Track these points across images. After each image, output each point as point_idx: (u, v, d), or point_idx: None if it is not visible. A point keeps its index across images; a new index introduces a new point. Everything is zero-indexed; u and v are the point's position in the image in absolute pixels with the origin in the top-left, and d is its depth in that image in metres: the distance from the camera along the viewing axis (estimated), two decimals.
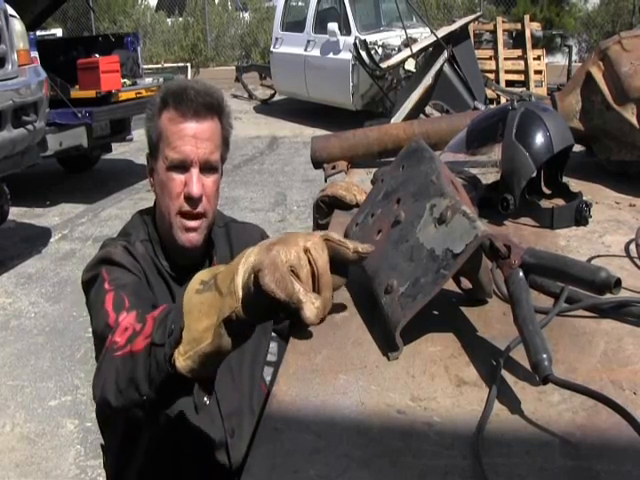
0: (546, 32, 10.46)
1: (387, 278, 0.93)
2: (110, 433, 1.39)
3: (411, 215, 0.96)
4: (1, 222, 4.98)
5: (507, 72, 8.51)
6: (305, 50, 9.35)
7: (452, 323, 0.95)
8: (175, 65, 12.65)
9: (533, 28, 8.88)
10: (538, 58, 8.55)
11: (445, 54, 5.94)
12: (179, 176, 1.27)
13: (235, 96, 11.39)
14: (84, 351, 3.51)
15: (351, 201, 1.42)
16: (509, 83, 8.39)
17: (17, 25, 4.49)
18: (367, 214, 1.08)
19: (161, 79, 7.30)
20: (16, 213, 5.70)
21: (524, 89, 8.06)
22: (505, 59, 8.54)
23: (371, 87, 8.21)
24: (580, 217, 1.30)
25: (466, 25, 6.49)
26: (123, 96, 6.21)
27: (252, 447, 0.72)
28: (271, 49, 10.26)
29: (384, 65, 7.13)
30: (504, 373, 0.82)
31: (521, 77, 8.51)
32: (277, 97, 10.81)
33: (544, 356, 0.77)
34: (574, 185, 1.41)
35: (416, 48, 6.61)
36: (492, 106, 5.74)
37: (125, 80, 6.51)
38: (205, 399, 1.21)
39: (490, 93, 7.17)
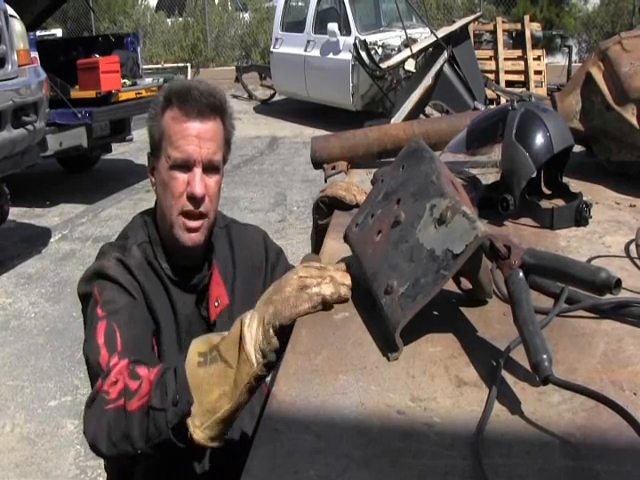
0: (546, 32, 10.46)
1: (387, 278, 0.93)
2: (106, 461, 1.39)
3: (411, 215, 0.96)
4: (1, 222, 4.98)
5: (507, 72, 8.51)
6: (305, 50, 9.35)
7: (452, 323, 0.95)
8: (175, 65, 12.65)
9: (533, 28, 8.88)
10: (538, 58, 8.56)
11: (445, 54, 5.95)
12: (182, 175, 1.27)
13: (235, 96, 11.39)
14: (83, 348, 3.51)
15: (351, 201, 1.42)
16: (509, 83, 8.40)
17: (17, 25, 4.49)
18: (367, 214, 1.08)
19: (161, 79, 7.29)
20: (16, 213, 5.70)
21: (524, 89, 8.06)
22: (505, 59, 8.54)
23: (371, 87, 8.21)
24: (580, 217, 1.30)
25: (466, 25, 6.49)
26: (123, 96, 6.22)
27: (252, 447, 0.72)
28: (271, 49, 10.27)
29: (384, 65, 7.13)
30: (504, 373, 0.82)
31: (521, 77, 8.51)
32: (277, 97, 10.81)
33: (544, 356, 0.77)
34: (574, 185, 1.41)
35: (416, 48, 6.61)
36: (492, 106, 5.74)
37: (125, 80, 6.51)
38: None
39: (490, 93, 7.17)
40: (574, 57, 9.96)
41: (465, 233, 0.86)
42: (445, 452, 0.70)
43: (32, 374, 3.34)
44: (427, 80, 5.98)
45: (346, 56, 8.37)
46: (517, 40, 8.82)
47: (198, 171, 1.27)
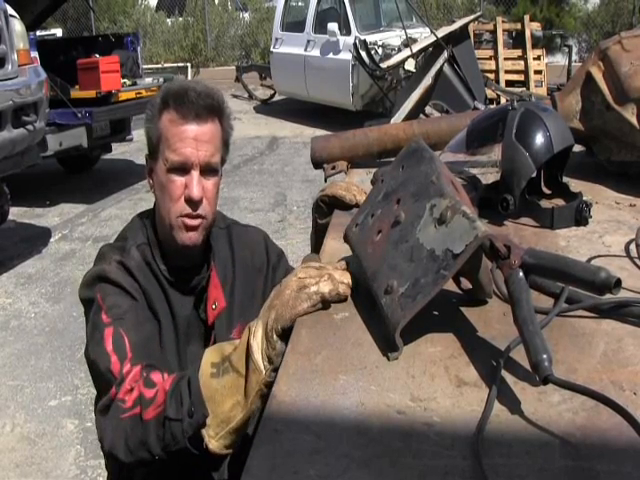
0: (546, 32, 10.45)
1: (387, 278, 0.93)
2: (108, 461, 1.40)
3: (411, 215, 0.96)
4: (1, 222, 4.98)
5: (507, 72, 8.51)
6: (305, 50, 9.35)
7: (452, 323, 0.95)
8: (175, 65, 12.66)
9: (533, 28, 8.88)
10: (538, 58, 8.55)
11: (445, 54, 5.95)
12: (179, 178, 1.27)
13: (235, 96, 11.39)
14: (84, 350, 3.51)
15: (351, 201, 1.42)
16: (509, 83, 8.40)
17: (17, 25, 4.49)
18: (367, 214, 1.08)
19: (161, 79, 7.29)
20: (16, 213, 5.70)
21: (524, 89, 8.06)
22: (505, 59, 8.54)
23: (371, 87, 8.21)
24: (580, 217, 1.30)
25: (466, 25, 6.49)
26: (123, 96, 6.22)
27: (252, 448, 0.72)
28: (271, 49, 10.26)
29: (384, 65, 7.13)
30: (504, 373, 0.82)
31: (521, 77, 8.51)
32: (277, 97, 10.81)
33: (544, 356, 0.77)
34: (574, 185, 1.41)
35: (416, 48, 6.61)
36: (492, 106, 5.74)
37: (125, 80, 6.51)
38: None
39: (490, 93, 7.17)
40: (574, 57, 9.96)
41: (465, 233, 0.86)
42: (445, 452, 0.70)
43: (32, 374, 3.34)
44: (427, 80, 5.98)
45: (346, 56, 8.37)
46: (517, 40, 8.82)
47: (196, 174, 1.26)
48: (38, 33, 7.37)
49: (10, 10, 4.42)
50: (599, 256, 1.15)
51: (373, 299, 0.94)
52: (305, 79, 9.36)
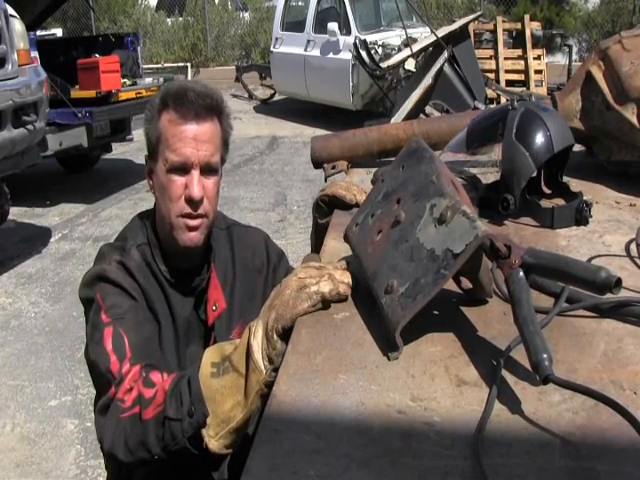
0: (546, 32, 10.46)
1: (387, 278, 0.93)
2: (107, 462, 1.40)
3: (411, 215, 0.96)
4: (1, 222, 4.98)
5: (507, 72, 8.51)
6: (305, 50, 9.35)
7: (452, 323, 0.95)
8: (175, 65, 12.66)
9: (533, 28, 8.88)
10: (538, 58, 8.55)
11: (445, 54, 5.94)
12: (180, 178, 1.27)
13: (235, 96, 11.39)
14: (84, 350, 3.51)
15: (351, 201, 1.42)
16: (509, 83, 8.40)
17: (17, 25, 4.49)
18: (367, 214, 1.08)
19: (161, 79, 7.29)
20: (16, 213, 5.70)
21: (524, 89, 8.06)
22: (505, 59, 8.54)
23: (371, 87, 8.21)
24: (580, 217, 1.30)
25: (466, 25, 6.49)
26: (123, 96, 6.22)
27: (252, 448, 0.72)
28: (271, 49, 10.26)
29: (384, 65, 7.13)
30: (504, 373, 0.82)
31: (521, 77, 8.51)
32: (277, 97, 10.81)
33: (544, 356, 0.77)
34: (574, 185, 1.41)
35: (416, 48, 6.61)
36: (492, 106, 5.74)
37: (125, 80, 6.51)
38: None
39: (490, 93, 7.17)
40: (574, 56, 9.95)
41: (465, 233, 0.86)
42: (445, 452, 0.70)
43: (32, 374, 3.34)
44: (427, 80, 5.98)
45: (346, 56, 8.37)
46: (517, 39, 8.82)
47: (196, 174, 1.26)
48: (38, 33, 7.38)
49: (10, 10, 4.42)
50: (599, 256, 1.15)
51: (373, 299, 0.94)
52: (305, 79, 9.36)
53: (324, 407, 0.78)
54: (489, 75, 7.92)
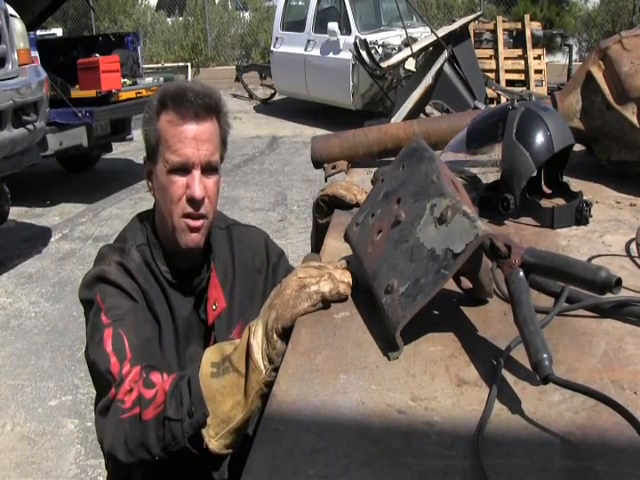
0: (546, 31, 10.44)
1: (387, 278, 0.93)
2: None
3: (411, 215, 0.96)
4: (1, 222, 4.98)
5: (507, 71, 8.51)
6: (305, 50, 9.35)
7: (452, 323, 0.95)
8: (175, 65, 12.66)
9: (533, 27, 8.87)
10: (538, 57, 8.55)
11: (445, 54, 5.94)
12: (180, 179, 1.26)
13: (235, 96, 11.39)
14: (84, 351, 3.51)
15: (351, 201, 1.42)
16: (509, 82, 8.39)
17: (17, 25, 4.49)
18: (367, 214, 1.08)
19: (161, 79, 7.30)
20: (16, 213, 5.70)
21: (524, 88, 8.05)
22: (505, 58, 8.54)
23: (371, 87, 8.21)
24: (580, 217, 1.30)
25: (466, 25, 6.49)
26: (123, 96, 6.22)
27: (252, 448, 0.72)
28: (271, 49, 10.26)
29: (384, 65, 7.12)
30: (504, 373, 0.82)
31: (521, 76, 8.51)
32: (277, 97, 10.81)
33: (545, 356, 0.77)
34: (574, 185, 1.41)
35: (416, 48, 6.60)
36: (492, 106, 5.74)
37: (125, 80, 6.51)
38: None
39: (490, 93, 7.17)
40: (574, 56, 9.95)
41: (465, 232, 0.86)
42: (445, 452, 0.70)
43: (32, 373, 3.34)
44: (427, 79, 5.97)
45: (346, 55, 8.37)
46: (517, 39, 8.82)
47: (197, 173, 1.26)
48: (38, 33, 7.37)
49: (10, 10, 4.42)
50: (599, 255, 1.15)
51: (373, 299, 0.94)
52: (305, 79, 9.36)
53: (324, 407, 0.78)
54: (489, 75, 7.91)
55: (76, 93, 5.88)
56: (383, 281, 0.93)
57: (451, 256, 0.86)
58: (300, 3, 10.39)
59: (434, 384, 0.81)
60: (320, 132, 6.79)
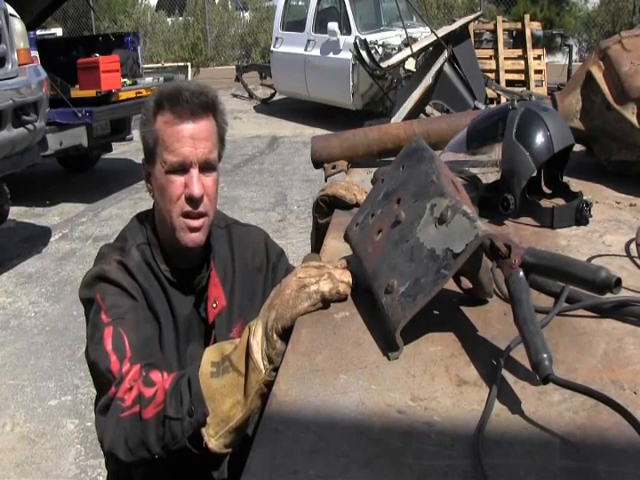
0: (546, 32, 10.45)
1: (387, 278, 0.93)
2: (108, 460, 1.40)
3: (411, 215, 0.96)
4: (1, 222, 4.98)
5: (507, 72, 8.51)
6: (305, 50, 9.35)
7: (452, 323, 0.95)
8: (175, 65, 12.65)
9: (533, 28, 8.88)
10: (538, 58, 8.55)
11: (445, 54, 5.94)
12: (179, 178, 1.27)
13: (235, 96, 11.39)
14: (84, 351, 3.51)
15: (351, 201, 1.42)
16: (509, 83, 8.39)
17: (17, 24, 4.49)
18: (367, 214, 1.08)
19: (161, 78, 7.30)
20: (16, 213, 5.70)
21: (524, 89, 8.06)
22: (505, 59, 8.54)
23: (371, 87, 8.21)
24: (580, 217, 1.30)
25: (466, 25, 6.49)
26: (123, 96, 6.22)
27: (252, 448, 0.72)
28: (271, 49, 10.26)
29: (384, 65, 7.12)
30: (504, 373, 0.82)
31: (521, 77, 8.51)
32: (277, 97, 10.81)
33: (544, 356, 0.77)
34: (574, 185, 1.41)
35: (416, 48, 6.61)
36: (492, 106, 5.74)
37: (125, 80, 6.51)
38: None
39: (490, 93, 7.17)
40: (574, 56, 9.95)
41: (465, 232, 0.86)
42: (445, 452, 0.70)
43: (32, 373, 3.34)
44: (427, 79, 5.98)
45: (346, 55, 8.37)
46: (517, 39, 8.82)
47: (195, 172, 1.26)
48: (38, 32, 7.38)
49: (10, 9, 4.42)
50: (599, 255, 1.15)
51: (373, 298, 0.94)
52: (305, 78, 9.36)
53: (324, 407, 0.78)
54: (489, 75, 7.91)
55: (76, 93, 5.88)
56: (383, 281, 0.93)
57: (451, 256, 0.86)
58: (300, 3, 10.39)
59: (434, 384, 0.81)
60: (320, 132, 6.80)
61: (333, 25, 8.78)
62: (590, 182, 1.54)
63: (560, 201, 1.37)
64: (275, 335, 0.94)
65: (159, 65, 12.76)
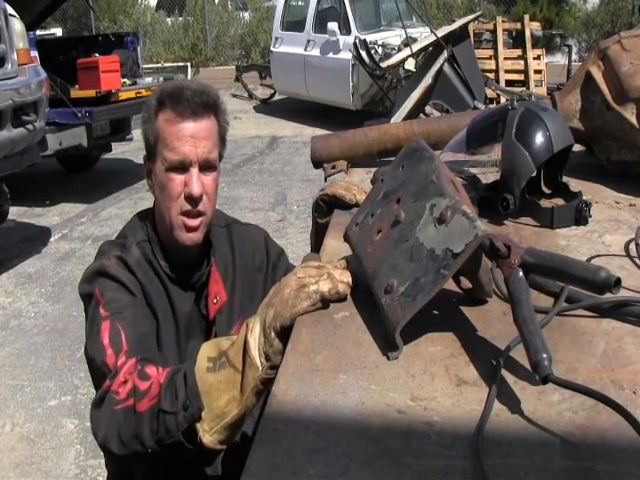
0: (546, 32, 10.45)
1: (387, 278, 0.93)
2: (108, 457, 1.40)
3: (411, 215, 0.96)
4: (1, 222, 4.98)
5: (507, 72, 8.51)
6: (305, 50, 9.35)
7: (452, 323, 0.95)
8: (175, 65, 12.65)
9: (533, 28, 8.88)
10: (538, 58, 8.55)
11: (445, 54, 5.95)
12: (179, 176, 1.27)
13: (235, 96, 11.39)
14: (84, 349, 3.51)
15: (351, 200, 1.42)
16: (509, 83, 8.40)
17: (17, 25, 4.49)
18: (367, 214, 1.08)
19: (161, 78, 7.30)
20: (16, 213, 5.70)
21: (524, 89, 8.06)
22: (505, 59, 8.54)
23: (371, 87, 8.22)
24: (580, 217, 1.30)
25: (466, 25, 6.50)
26: (123, 96, 6.22)
27: (252, 447, 0.72)
28: (271, 49, 10.26)
29: (384, 65, 7.13)
30: (504, 373, 0.82)
31: (521, 77, 8.51)
32: (277, 97, 10.81)
33: (544, 356, 0.77)
34: (574, 185, 1.41)
35: (416, 48, 6.61)
36: (492, 106, 5.74)
37: (125, 80, 6.51)
38: None
39: (490, 93, 7.18)
40: (574, 56, 9.95)
41: (465, 232, 0.86)
42: (445, 452, 0.70)
43: (32, 373, 3.34)
44: (427, 79, 5.98)
45: (346, 55, 8.37)
46: (517, 39, 8.82)
47: (195, 171, 1.27)
48: (38, 32, 7.38)
49: (10, 9, 4.42)
50: (599, 255, 1.15)
51: (373, 298, 0.94)
52: (305, 78, 9.36)
53: (324, 407, 0.78)
54: (489, 75, 7.92)
55: (76, 93, 5.88)
56: (383, 281, 0.93)
57: (451, 256, 0.86)
58: (300, 3, 10.39)
59: (434, 384, 0.81)
60: (320, 132, 6.80)
61: (333, 25, 8.78)
62: (590, 182, 1.54)
63: (560, 201, 1.37)
64: (273, 333, 0.93)
65: (159, 65, 12.76)
